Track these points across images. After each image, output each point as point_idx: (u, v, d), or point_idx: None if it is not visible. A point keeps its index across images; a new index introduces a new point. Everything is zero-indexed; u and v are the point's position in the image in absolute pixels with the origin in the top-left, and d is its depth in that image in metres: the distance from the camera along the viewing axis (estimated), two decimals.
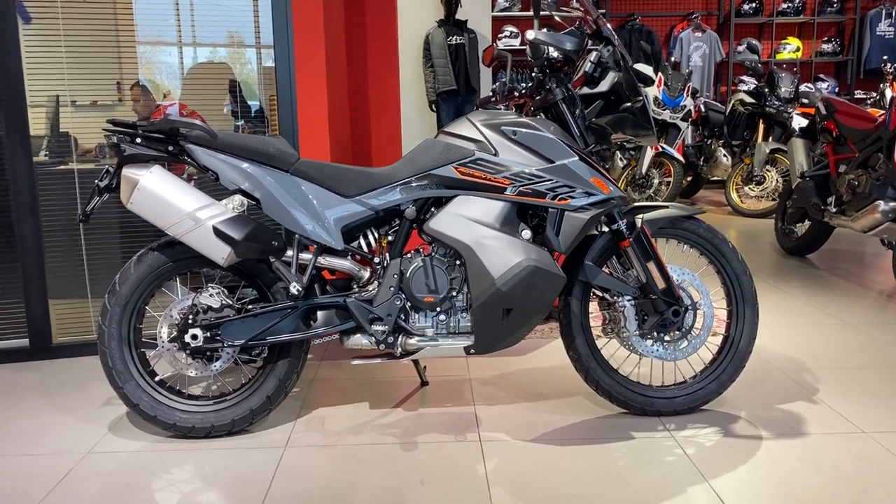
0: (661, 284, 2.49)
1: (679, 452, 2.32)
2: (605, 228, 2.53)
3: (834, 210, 4.55)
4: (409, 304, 2.44)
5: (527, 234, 2.38)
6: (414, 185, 2.40)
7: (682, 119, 7.03)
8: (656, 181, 6.91)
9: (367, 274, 2.47)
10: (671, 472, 2.21)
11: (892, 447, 2.33)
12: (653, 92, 6.95)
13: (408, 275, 2.41)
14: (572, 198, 2.36)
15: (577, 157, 2.37)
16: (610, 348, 2.65)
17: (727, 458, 2.28)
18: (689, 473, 2.19)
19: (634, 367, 2.70)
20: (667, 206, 2.59)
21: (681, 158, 6.86)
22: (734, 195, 7.14)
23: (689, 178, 8.06)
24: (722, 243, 2.59)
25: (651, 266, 2.49)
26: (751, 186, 7.05)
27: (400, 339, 2.43)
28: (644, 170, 6.90)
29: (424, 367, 2.92)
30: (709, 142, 7.77)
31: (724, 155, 7.39)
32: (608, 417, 2.59)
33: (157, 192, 2.26)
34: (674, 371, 2.73)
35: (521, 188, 2.36)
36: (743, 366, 2.61)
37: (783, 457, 2.28)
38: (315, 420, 2.59)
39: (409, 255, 2.44)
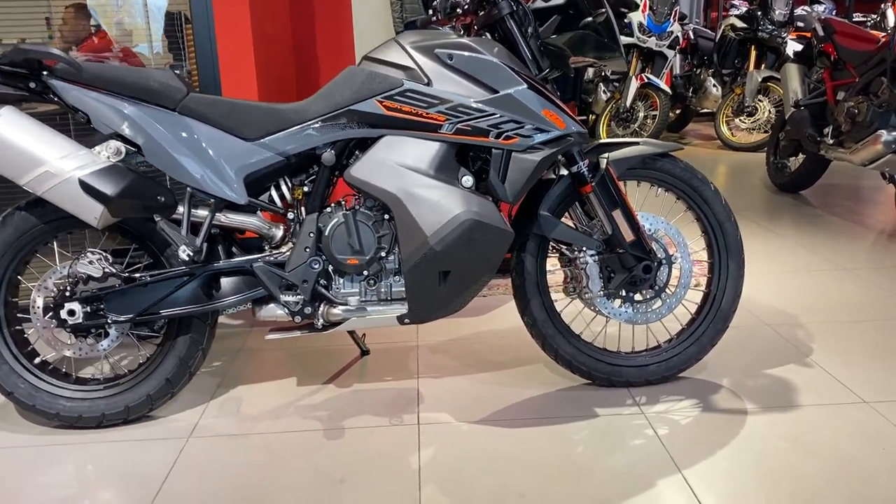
0: (629, 236, 2.11)
1: (649, 434, 1.97)
2: (564, 171, 2.13)
3: (831, 142, 4.15)
4: (330, 267, 2.06)
5: (468, 181, 1.98)
6: (330, 123, 1.99)
7: (669, 47, 6.55)
8: (641, 115, 6.47)
9: (279, 233, 2.07)
10: (639, 459, 1.86)
11: None
12: (637, 17, 6.44)
13: (326, 233, 2.02)
14: (521, 135, 1.95)
15: (525, 86, 1.95)
16: (575, 308, 2.29)
17: (705, 441, 1.93)
18: (661, 461, 1.85)
19: (601, 330, 2.34)
20: (637, 143, 2.18)
21: (668, 90, 6.40)
22: (724, 128, 6.71)
23: (678, 111, 7.62)
24: (702, 185, 2.20)
25: (618, 214, 2.10)
26: (742, 118, 6.62)
27: (321, 308, 2.06)
28: (628, 102, 6.45)
29: (363, 335, 2.56)
30: (698, 71, 7.30)
31: (714, 85, 6.93)
32: (570, 390, 2.24)
33: (9, 140, 1.85)
34: (646, 335, 2.37)
35: (458, 125, 1.95)
36: (726, 327, 2.25)
37: (771, 436, 1.94)
38: (231, 402, 2.24)
39: (329, 210, 2.05)
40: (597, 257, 2.14)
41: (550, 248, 2.21)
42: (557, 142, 1.98)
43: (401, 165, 1.95)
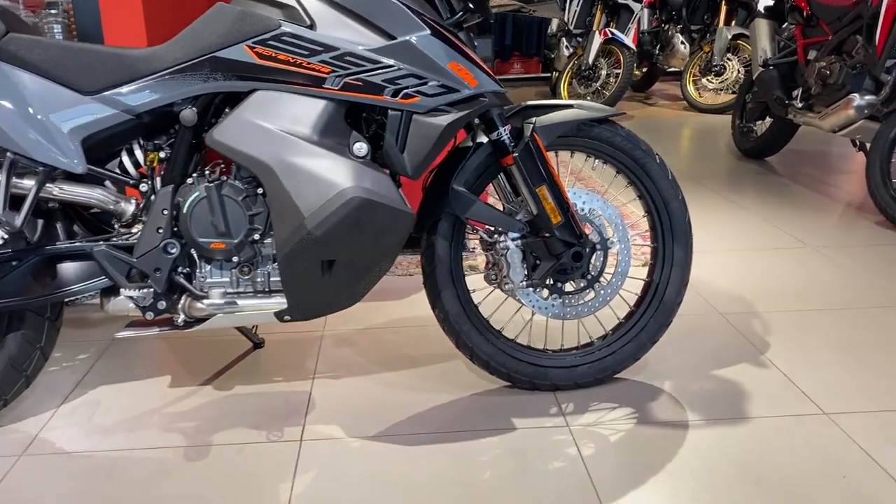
0: (556, 217, 1.77)
1: (572, 453, 1.66)
2: (484, 139, 1.78)
3: (800, 105, 3.83)
4: (193, 251, 1.69)
5: (361, 149, 1.62)
6: (190, 74, 1.60)
7: (636, 0, 6.15)
8: (604, 72, 6.09)
9: (130, 208, 1.70)
10: (555, 490, 1.55)
11: (862, 438, 1.70)
12: None
13: (185, 210, 1.65)
14: (423, 94, 1.59)
15: (428, 31, 1.58)
16: (501, 296, 1.96)
17: (637, 464, 1.63)
18: (582, 491, 1.54)
19: (525, 325, 2.01)
20: (570, 106, 1.83)
21: (632, 46, 6.01)
22: (690, 88, 6.37)
23: (645, 70, 7.26)
24: (645, 156, 1.86)
25: (543, 191, 1.76)
26: (709, 77, 6.28)
27: (183, 301, 1.70)
28: (591, 59, 6.07)
29: (254, 326, 2.21)
30: (666, 27, 6.91)
31: (682, 42, 6.56)
32: (487, 395, 1.92)
33: None
34: (577, 330, 2.05)
35: (346, 79, 1.58)
36: (669, 322, 1.94)
37: (714, 459, 1.64)
38: (85, 407, 1.88)
39: (190, 182, 1.67)
40: (519, 242, 1.80)
41: (470, 229, 1.86)
42: (468, 103, 1.62)
43: (274, 127, 1.58)
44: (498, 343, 1.88)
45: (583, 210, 1.84)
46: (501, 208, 1.86)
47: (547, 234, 1.78)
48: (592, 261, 1.86)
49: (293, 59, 1.57)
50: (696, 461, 1.63)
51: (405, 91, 1.58)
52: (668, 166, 1.89)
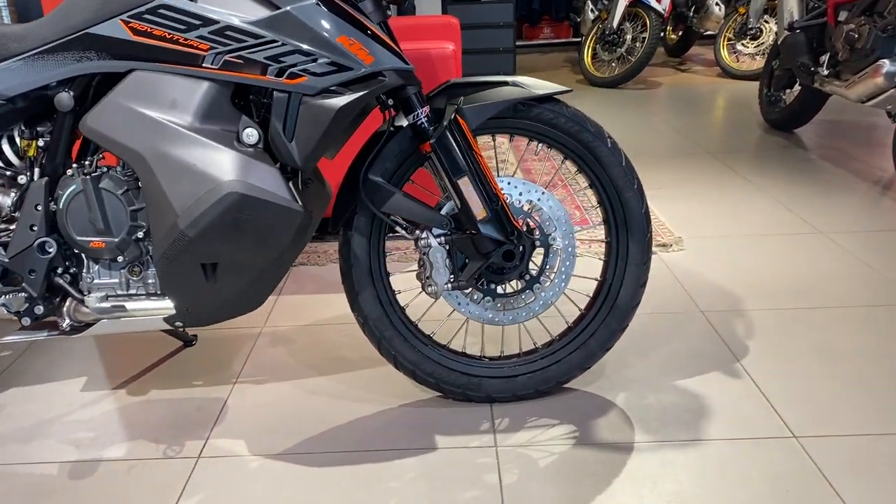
0: (480, 212, 1.56)
1: (491, 481, 1.47)
2: (405, 122, 1.57)
3: (826, 72, 3.48)
4: (77, 250, 1.54)
5: (252, 135, 1.43)
6: (62, 54, 1.43)
7: None
8: (629, 37, 5.75)
9: (7, 202, 1.55)
10: None
11: (828, 466, 1.46)
12: None
13: (61, 205, 1.49)
14: (311, 73, 1.39)
15: (312, 0, 1.37)
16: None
17: (562, 496, 1.43)
18: None
19: (458, 329, 1.81)
20: (505, 83, 1.61)
21: (659, 9, 5.65)
22: (724, 52, 5.97)
23: (680, 33, 6.85)
24: (594, 140, 1.63)
25: (465, 183, 1.54)
26: (744, 42, 5.87)
27: (68, 304, 1.55)
28: (615, 23, 5.73)
29: None
30: None
31: (717, 3, 6.14)
32: (417, 406, 1.73)
33: None
34: (519, 335, 1.84)
35: (226, 56, 1.38)
36: (623, 326, 1.72)
37: (653, 492, 1.43)
38: None
39: (70, 173, 1.51)
40: (443, 239, 1.59)
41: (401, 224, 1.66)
42: (364, 83, 1.41)
43: (151, 112, 1.41)
44: (425, 350, 1.69)
45: (518, 203, 1.63)
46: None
47: (472, 231, 1.57)
48: (529, 259, 1.64)
49: (170, 34, 1.39)
50: (630, 491, 1.42)
51: (291, 70, 1.38)
52: (621, 150, 1.66)
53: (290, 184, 1.43)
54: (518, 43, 6.63)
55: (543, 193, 1.64)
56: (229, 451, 1.59)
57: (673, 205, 2.99)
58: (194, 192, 1.38)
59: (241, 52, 1.38)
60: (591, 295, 1.75)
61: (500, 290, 1.67)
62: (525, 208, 1.64)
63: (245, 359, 1.96)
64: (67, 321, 1.55)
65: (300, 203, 1.42)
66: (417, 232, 1.60)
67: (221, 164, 1.38)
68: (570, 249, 1.66)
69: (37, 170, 1.53)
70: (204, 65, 1.39)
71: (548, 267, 1.67)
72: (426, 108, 1.53)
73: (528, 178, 3.17)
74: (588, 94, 5.58)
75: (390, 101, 1.55)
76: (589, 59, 5.93)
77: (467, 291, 1.65)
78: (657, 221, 2.79)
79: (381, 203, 1.56)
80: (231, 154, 1.39)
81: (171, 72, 1.41)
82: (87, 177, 1.47)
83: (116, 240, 1.50)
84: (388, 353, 1.68)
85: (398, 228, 1.61)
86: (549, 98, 1.62)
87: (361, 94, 1.40)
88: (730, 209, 2.96)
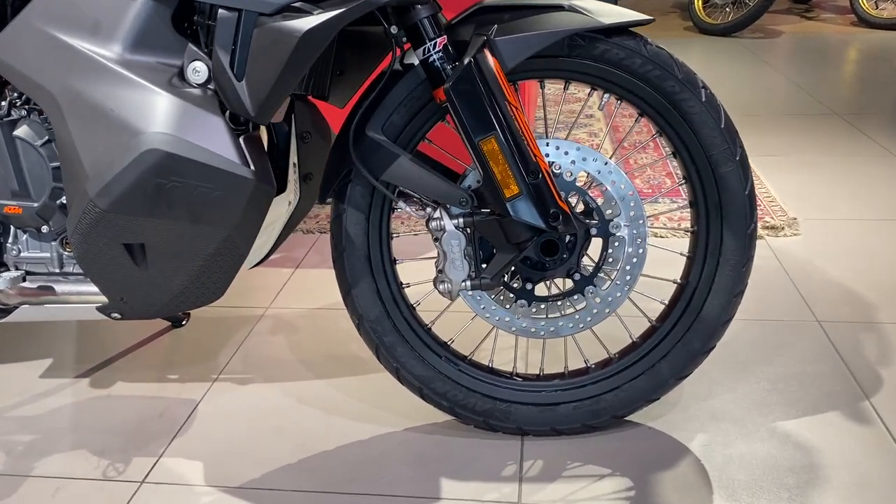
0: (509, 187, 1.12)
1: None
2: (416, 59, 1.15)
3: None
4: None
5: (199, 71, 1.05)
6: None
7: None
8: None
9: None
10: None
11: None
12: None
13: None
14: None
15: None
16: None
17: None
18: None
19: (484, 338, 1.39)
20: (558, 6, 1.15)
21: None
22: None
23: None
24: (682, 90, 1.17)
25: (492, 145, 1.11)
26: None
27: None
28: None
29: None
30: None
31: None
32: (426, 433, 1.34)
33: None
34: (565, 350, 1.41)
35: None
36: (708, 349, 1.26)
37: None
38: None
39: None
40: (460, 221, 1.17)
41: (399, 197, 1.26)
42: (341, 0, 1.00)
43: (67, 38, 1.04)
44: (438, 363, 1.29)
45: (569, 175, 1.19)
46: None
47: (499, 214, 1.14)
48: (581, 253, 1.21)
49: None
50: None
51: None
52: (720, 107, 1.19)
53: (243, 140, 1.04)
54: None
55: (606, 162, 1.19)
56: (179, 478, 1.25)
57: (789, 177, 2.44)
58: (108, 147, 1.01)
59: None
60: (666, 302, 1.30)
61: (539, 290, 1.24)
62: (579, 183, 1.20)
63: (236, 349, 1.62)
64: None
65: (252, 167, 1.03)
66: (429, 210, 1.19)
67: (146, 111, 1.01)
68: (638, 241, 1.21)
69: None
70: None
71: (607, 263, 1.23)
72: (442, 40, 1.10)
73: (618, 140, 2.67)
74: (696, 43, 4.93)
75: (399, 32, 1.13)
76: (700, 2, 5.24)
77: (494, 292, 1.23)
78: (766, 197, 2.26)
79: (378, 168, 1.16)
80: (162, 97, 1.01)
81: None
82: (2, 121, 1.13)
83: (36, 205, 1.16)
84: (388, 363, 1.29)
85: (401, 204, 1.20)
86: (621, 30, 1.16)
87: (335, 13, 0.98)
88: (860, 185, 2.39)
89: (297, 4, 0.98)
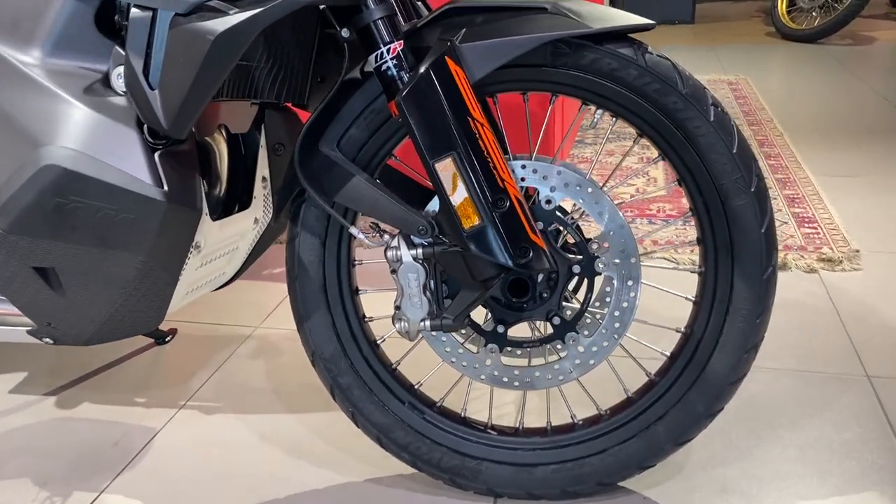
0: (468, 217, 0.96)
1: None
2: (378, 61, 1.00)
3: None
4: None
5: (118, 78, 0.94)
6: None
7: None
8: None
9: None
10: None
11: None
12: None
13: None
14: None
15: None
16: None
17: None
18: None
19: (455, 384, 1.23)
20: (542, 9, 0.99)
21: None
22: None
23: None
24: (686, 107, 0.98)
25: (446, 168, 0.95)
26: None
27: None
28: None
29: None
30: None
31: None
32: (389, 486, 1.19)
33: None
34: (548, 402, 1.24)
35: None
36: (713, 412, 1.07)
37: None
38: None
39: None
40: (419, 252, 1.02)
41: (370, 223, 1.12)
42: None
43: None
44: (400, 410, 1.14)
45: (547, 200, 1.02)
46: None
47: (460, 245, 0.99)
48: (562, 293, 1.04)
49: None
50: None
51: None
52: (733, 126, 1.00)
53: (158, 156, 0.92)
54: None
55: (592, 187, 1.01)
56: None
57: (857, 202, 2.17)
58: (9, 161, 0.91)
59: None
60: (667, 354, 1.11)
61: (512, 332, 1.08)
62: (558, 211, 1.03)
63: (212, 372, 1.52)
64: None
65: (166, 186, 0.91)
66: (386, 237, 1.04)
67: (52, 122, 0.90)
68: (629, 283, 1.03)
69: None
70: None
71: (594, 307, 1.05)
72: (397, 45, 0.96)
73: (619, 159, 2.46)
74: (778, 50, 4.60)
75: (351, 35, 0.98)
76: (784, 6, 4.90)
77: (460, 333, 1.08)
78: (828, 223, 2.01)
79: (331, 188, 1.02)
80: (72, 106, 0.90)
81: None
82: None
83: None
84: (344, 406, 1.15)
85: (353, 230, 1.06)
86: (615, 36, 0.99)
87: (253, 13, 0.85)
88: None
89: (212, 3, 0.85)
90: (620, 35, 0.99)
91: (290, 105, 1.23)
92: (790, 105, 3.29)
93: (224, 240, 1.17)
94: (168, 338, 1.64)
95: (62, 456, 1.29)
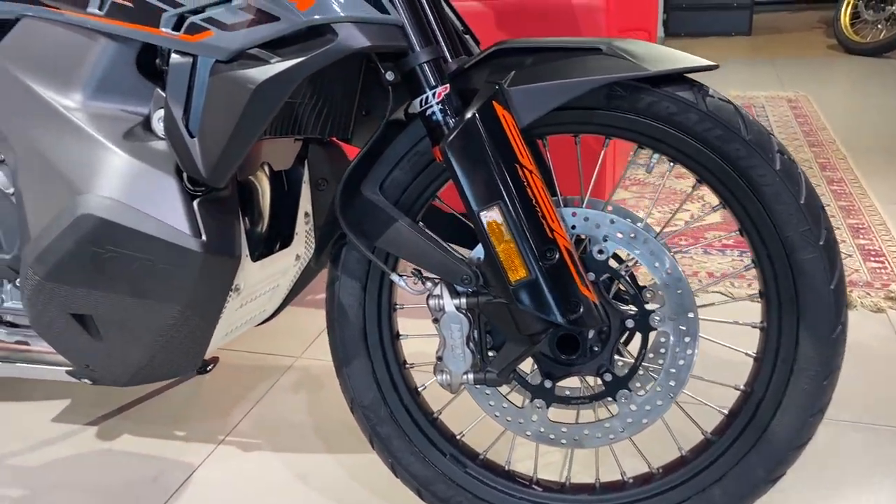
0: (516, 270, 0.91)
1: None
2: (422, 106, 0.97)
3: None
4: None
5: (159, 121, 0.93)
6: None
7: None
8: None
9: None
10: None
11: None
12: None
13: None
14: (220, 24, 0.84)
15: None
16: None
17: None
18: None
19: (499, 437, 1.17)
20: (594, 48, 0.94)
21: None
22: None
23: None
24: (750, 155, 0.92)
25: (494, 219, 0.91)
26: None
27: None
28: None
29: None
30: None
31: None
32: None
33: None
34: (597, 458, 1.17)
35: None
36: (775, 477, 1.00)
37: None
38: None
39: None
40: (464, 302, 0.98)
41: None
42: (304, 42, 0.83)
43: (29, 80, 0.95)
44: (441, 463, 1.10)
45: (600, 251, 0.97)
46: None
47: (506, 299, 0.94)
48: (614, 348, 0.99)
49: None
50: None
51: (192, 19, 0.84)
52: (801, 175, 0.93)
53: (198, 204, 0.90)
54: None
55: (646, 241, 0.96)
56: None
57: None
58: (49, 208, 0.90)
59: None
60: (725, 412, 1.04)
61: (560, 388, 1.03)
62: (612, 262, 0.97)
63: (252, 405, 1.50)
64: None
65: (204, 236, 0.88)
66: (429, 284, 1.00)
67: (91, 168, 0.88)
68: (687, 339, 0.97)
69: None
70: (90, 9, 0.90)
71: (645, 362, 1.00)
72: (443, 89, 0.92)
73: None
74: (840, 64, 4.44)
75: (396, 78, 0.95)
76: (847, 18, 4.73)
77: (502, 388, 1.03)
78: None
79: (372, 233, 0.98)
80: (111, 152, 0.89)
81: (60, 20, 0.93)
82: None
83: (7, 257, 1.07)
84: (383, 456, 1.11)
85: (394, 277, 1.02)
86: (673, 77, 0.93)
87: (295, 62, 0.82)
88: None
89: (253, 51, 0.82)
90: (679, 76, 0.94)
91: (334, 139, 1.20)
92: (854, 125, 3.15)
93: (265, 279, 1.15)
94: (210, 367, 1.62)
95: (102, 491, 1.28)
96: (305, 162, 1.21)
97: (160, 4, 0.84)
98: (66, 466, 1.35)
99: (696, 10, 5.06)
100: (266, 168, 1.15)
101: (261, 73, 0.81)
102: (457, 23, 1.08)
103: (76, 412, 1.50)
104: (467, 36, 1.11)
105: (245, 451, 1.36)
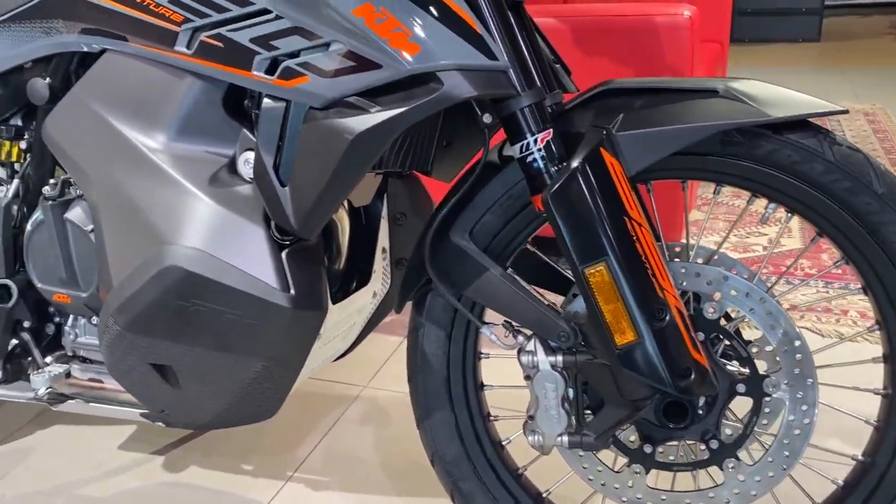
0: (623, 333, 0.85)
1: None
2: (523, 151, 0.90)
3: None
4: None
5: (246, 164, 0.88)
6: (28, 23, 0.99)
7: None
8: None
9: None
10: None
11: None
12: None
13: (25, 238, 1.07)
14: (317, 70, 0.78)
15: None
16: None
17: None
18: None
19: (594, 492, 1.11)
20: (714, 92, 0.87)
21: None
22: None
23: None
24: (885, 210, 0.84)
25: (602, 274, 0.84)
26: None
27: (36, 370, 1.14)
28: None
29: None
30: None
31: None
32: None
33: None
34: None
35: (203, 35, 0.84)
36: None
37: None
38: (11, 456, 1.46)
39: (48, 189, 1.08)
40: (560, 360, 0.91)
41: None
42: (407, 91, 0.78)
43: (112, 117, 0.91)
44: None
45: (711, 311, 0.89)
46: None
47: (605, 358, 0.87)
48: (722, 414, 0.91)
49: None
50: None
51: (287, 63, 0.79)
52: None
53: (286, 255, 0.85)
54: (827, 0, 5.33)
55: (762, 299, 0.88)
56: None
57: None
58: (133, 255, 0.86)
59: (221, 30, 0.82)
60: (840, 483, 0.96)
61: (661, 453, 0.95)
62: (722, 322, 0.90)
63: (320, 438, 1.45)
64: (43, 389, 1.13)
65: (293, 290, 0.84)
66: (521, 338, 0.94)
67: (176, 216, 0.84)
68: (804, 408, 0.89)
69: (16, 182, 1.12)
70: (177, 48, 0.86)
71: (756, 430, 0.92)
72: (545, 135, 0.85)
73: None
74: None
75: (493, 121, 0.89)
76: None
77: (596, 451, 0.96)
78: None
79: (460, 282, 0.93)
80: (197, 199, 0.84)
81: (145, 57, 0.90)
82: (49, 202, 1.02)
83: (84, 295, 1.04)
84: None
85: (484, 330, 0.96)
86: (796, 123, 0.86)
87: (397, 112, 0.76)
88: None
89: (351, 99, 0.77)
90: (803, 122, 0.86)
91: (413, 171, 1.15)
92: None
93: (343, 321, 1.10)
94: None
95: None
96: (384, 196, 1.16)
97: (253, 47, 0.80)
98: (131, 498, 1.32)
99: (763, 14, 4.89)
100: (345, 204, 1.10)
101: (360, 122, 0.76)
102: (548, 53, 1.02)
103: (142, 440, 1.48)
104: (558, 65, 1.04)
105: (313, 490, 1.32)
